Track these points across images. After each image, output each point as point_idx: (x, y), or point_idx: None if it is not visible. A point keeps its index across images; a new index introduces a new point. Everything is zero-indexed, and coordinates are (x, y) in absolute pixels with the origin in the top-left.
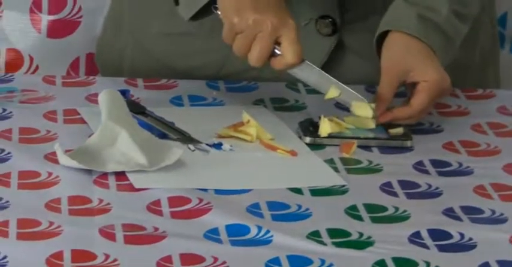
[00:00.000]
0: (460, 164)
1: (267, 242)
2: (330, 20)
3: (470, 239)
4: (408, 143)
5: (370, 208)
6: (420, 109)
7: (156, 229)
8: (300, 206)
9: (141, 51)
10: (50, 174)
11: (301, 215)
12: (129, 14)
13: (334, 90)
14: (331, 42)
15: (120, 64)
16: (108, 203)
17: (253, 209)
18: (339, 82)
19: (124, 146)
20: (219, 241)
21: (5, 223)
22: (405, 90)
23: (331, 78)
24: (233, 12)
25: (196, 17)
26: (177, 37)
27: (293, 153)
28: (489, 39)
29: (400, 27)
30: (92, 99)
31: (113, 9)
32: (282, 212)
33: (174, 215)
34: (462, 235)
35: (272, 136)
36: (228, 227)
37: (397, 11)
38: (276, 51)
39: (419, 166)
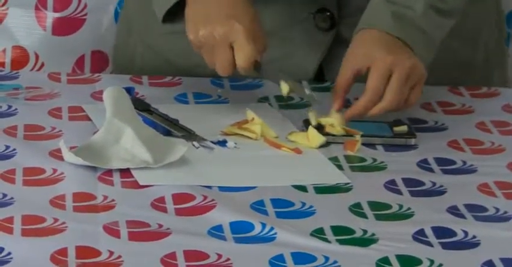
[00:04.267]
0: (464, 163)
1: (271, 239)
2: (328, 13)
3: (474, 236)
4: (412, 141)
5: (374, 205)
6: (373, 89)
7: (161, 226)
8: (304, 204)
9: (149, 51)
10: (54, 171)
11: (305, 213)
12: (136, 15)
13: (284, 85)
14: (330, 36)
15: (132, 66)
16: (113, 200)
17: (258, 206)
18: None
19: (129, 143)
20: (223, 238)
21: (10, 220)
22: None
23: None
24: (189, 30)
25: (170, 18)
26: (181, 35)
27: (297, 151)
28: (494, 38)
29: (374, 25)
30: (97, 96)
31: (124, 11)
32: (286, 210)
33: (179, 212)
34: (466, 233)
35: (276, 133)
36: (232, 224)
37: (372, 10)
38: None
39: (423, 164)
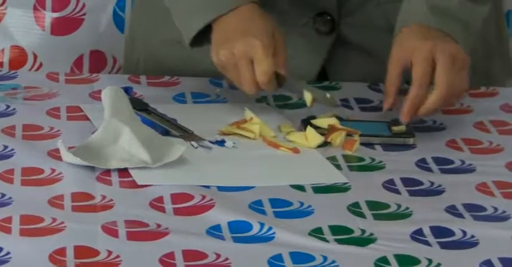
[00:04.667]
0: (463, 162)
1: (269, 238)
2: (328, 17)
3: (473, 236)
4: (411, 140)
5: (373, 205)
6: (420, 80)
7: (159, 226)
8: (302, 203)
9: (151, 59)
10: (53, 171)
11: (303, 212)
12: (138, 24)
13: (307, 94)
14: (330, 39)
15: (135, 73)
16: (111, 200)
17: (256, 206)
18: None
19: (127, 143)
20: (222, 238)
21: (8, 219)
22: None
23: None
24: (212, 52)
25: (198, 43)
26: (180, 44)
27: (295, 150)
28: (494, 31)
29: (412, 21)
30: (96, 96)
31: (130, 21)
32: (284, 209)
33: (177, 211)
34: (464, 232)
35: (275, 133)
36: (231, 224)
37: (409, 7)
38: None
39: (422, 164)
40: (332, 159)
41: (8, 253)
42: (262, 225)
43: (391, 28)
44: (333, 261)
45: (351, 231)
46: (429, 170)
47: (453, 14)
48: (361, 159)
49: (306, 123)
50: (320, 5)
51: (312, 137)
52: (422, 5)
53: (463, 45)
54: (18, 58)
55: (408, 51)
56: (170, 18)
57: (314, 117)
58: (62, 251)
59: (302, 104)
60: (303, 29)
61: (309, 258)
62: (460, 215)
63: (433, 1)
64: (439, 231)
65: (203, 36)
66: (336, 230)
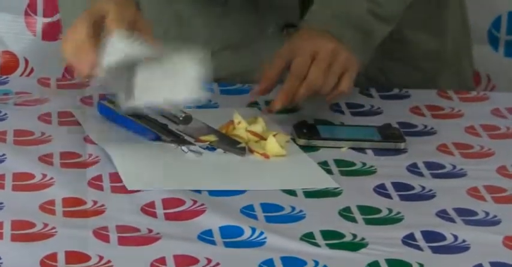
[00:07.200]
0: (454, 166)
1: (260, 243)
2: (295, 27)
3: (464, 240)
4: (402, 145)
5: (364, 209)
6: (295, 71)
7: (150, 231)
8: (293, 208)
9: None
10: (44, 176)
11: (295, 217)
12: None
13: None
14: None
15: None
16: (103, 205)
17: (247, 211)
18: None
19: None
20: (213, 243)
21: (0, 225)
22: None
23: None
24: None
25: None
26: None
27: (266, 156)
28: (460, 28)
29: (311, 24)
30: (87, 101)
31: None
32: (275, 214)
33: (168, 216)
34: (456, 237)
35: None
36: (222, 229)
37: (312, 12)
38: None
39: (413, 168)
40: (323, 164)
41: None
42: (253, 230)
43: None
44: (325, 266)
45: (342, 236)
46: (420, 174)
47: (354, 24)
48: (352, 164)
49: (302, 126)
50: (285, 17)
51: (272, 148)
52: (325, 12)
53: (361, 55)
54: (10, 64)
55: (294, 48)
56: (157, 24)
57: (305, 122)
58: (53, 257)
59: (293, 110)
60: (272, 38)
61: (300, 263)
62: (451, 220)
63: (335, 10)
64: (431, 236)
65: None
66: (327, 234)
